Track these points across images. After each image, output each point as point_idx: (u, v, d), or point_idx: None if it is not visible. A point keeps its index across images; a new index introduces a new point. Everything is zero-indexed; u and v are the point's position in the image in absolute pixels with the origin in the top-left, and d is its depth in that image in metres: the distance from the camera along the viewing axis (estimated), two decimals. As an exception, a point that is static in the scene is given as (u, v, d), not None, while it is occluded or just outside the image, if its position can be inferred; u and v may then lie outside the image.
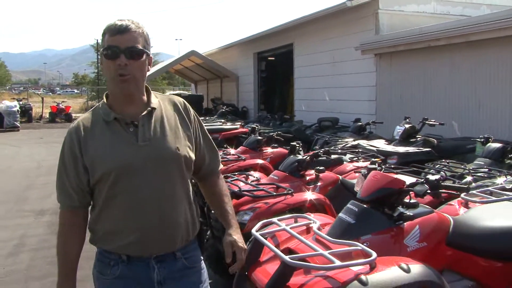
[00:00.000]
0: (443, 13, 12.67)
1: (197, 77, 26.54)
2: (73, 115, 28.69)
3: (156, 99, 2.02)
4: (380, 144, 7.30)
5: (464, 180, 4.96)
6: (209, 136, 2.21)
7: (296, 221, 3.22)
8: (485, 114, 8.83)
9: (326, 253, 2.57)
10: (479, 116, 8.95)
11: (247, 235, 2.65)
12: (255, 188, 4.28)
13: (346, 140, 8.23)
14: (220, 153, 5.27)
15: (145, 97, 2.00)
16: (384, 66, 11.82)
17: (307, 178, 4.63)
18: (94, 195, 1.95)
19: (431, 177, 3.00)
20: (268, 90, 20.93)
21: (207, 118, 13.71)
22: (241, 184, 4.46)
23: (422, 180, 3.07)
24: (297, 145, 5.13)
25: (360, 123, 9.22)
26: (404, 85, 11.04)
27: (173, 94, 20.59)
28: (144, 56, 1.90)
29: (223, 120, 12.61)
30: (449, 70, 9.70)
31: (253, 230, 2.74)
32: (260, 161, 6.19)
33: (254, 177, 4.91)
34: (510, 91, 8.35)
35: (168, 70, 27.10)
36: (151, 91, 2.04)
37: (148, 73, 2.00)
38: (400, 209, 3.00)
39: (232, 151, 6.89)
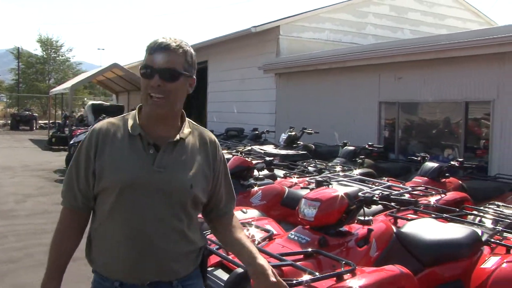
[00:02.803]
0: (336, 41, 14.75)
1: (118, 88, 27.17)
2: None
3: (188, 129, 1.93)
4: (269, 148, 9.02)
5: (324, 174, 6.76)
6: (230, 180, 2.08)
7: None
8: (358, 126, 10.83)
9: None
10: (354, 128, 10.93)
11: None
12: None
13: (244, 145, 9.93)
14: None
15: (178, 122, 1.92)
16: (283, 84, 13.76)
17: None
18: (96, 204, 1.86)
19: (267, 158, 4.68)
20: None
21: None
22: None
23: (262, 161, 4.74)
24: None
25: (257, 132, 11.01)
26: (298, 101, 12.95)
27: (94, 103, 21.31)
28: (181, 79, 1.82)
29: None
30: (332, 89, 11.71)
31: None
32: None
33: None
34: (375, 109, 10.41)
35: (90, 80, 27.55)
36: (186, 118, 1.97)
37: (184, 94, 1.92)
38: (251, 180, 4.66)
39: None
